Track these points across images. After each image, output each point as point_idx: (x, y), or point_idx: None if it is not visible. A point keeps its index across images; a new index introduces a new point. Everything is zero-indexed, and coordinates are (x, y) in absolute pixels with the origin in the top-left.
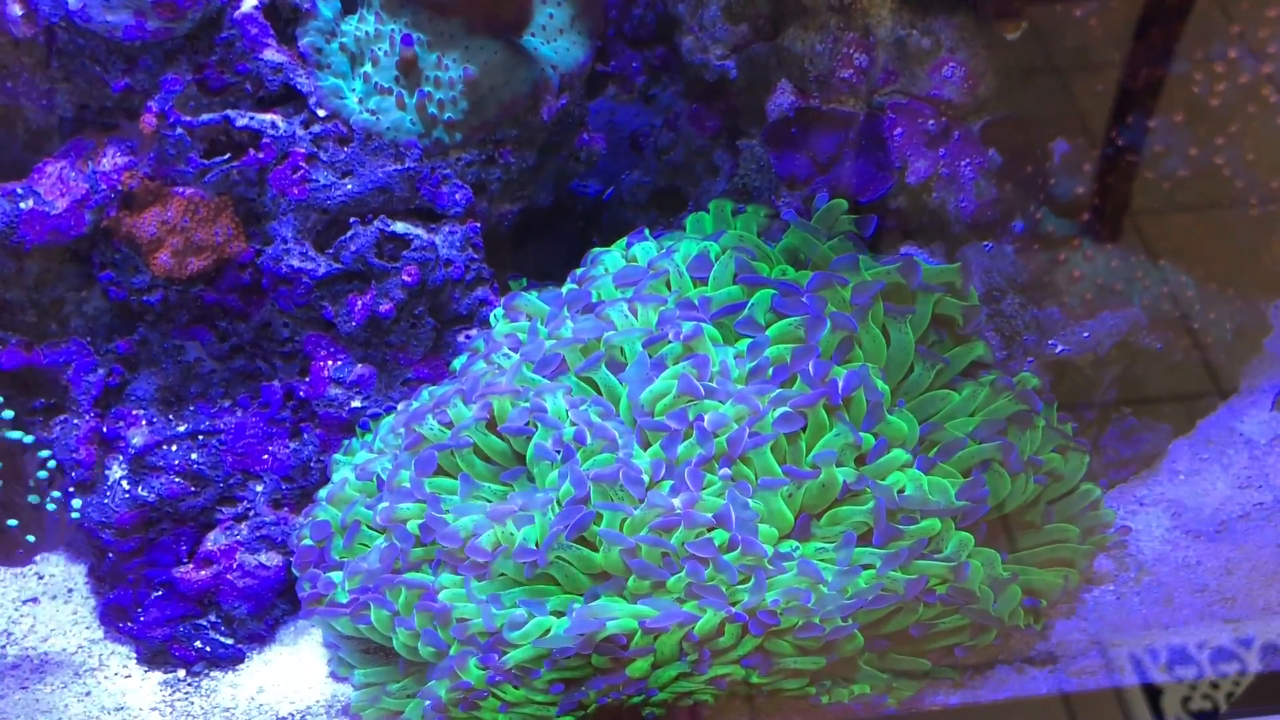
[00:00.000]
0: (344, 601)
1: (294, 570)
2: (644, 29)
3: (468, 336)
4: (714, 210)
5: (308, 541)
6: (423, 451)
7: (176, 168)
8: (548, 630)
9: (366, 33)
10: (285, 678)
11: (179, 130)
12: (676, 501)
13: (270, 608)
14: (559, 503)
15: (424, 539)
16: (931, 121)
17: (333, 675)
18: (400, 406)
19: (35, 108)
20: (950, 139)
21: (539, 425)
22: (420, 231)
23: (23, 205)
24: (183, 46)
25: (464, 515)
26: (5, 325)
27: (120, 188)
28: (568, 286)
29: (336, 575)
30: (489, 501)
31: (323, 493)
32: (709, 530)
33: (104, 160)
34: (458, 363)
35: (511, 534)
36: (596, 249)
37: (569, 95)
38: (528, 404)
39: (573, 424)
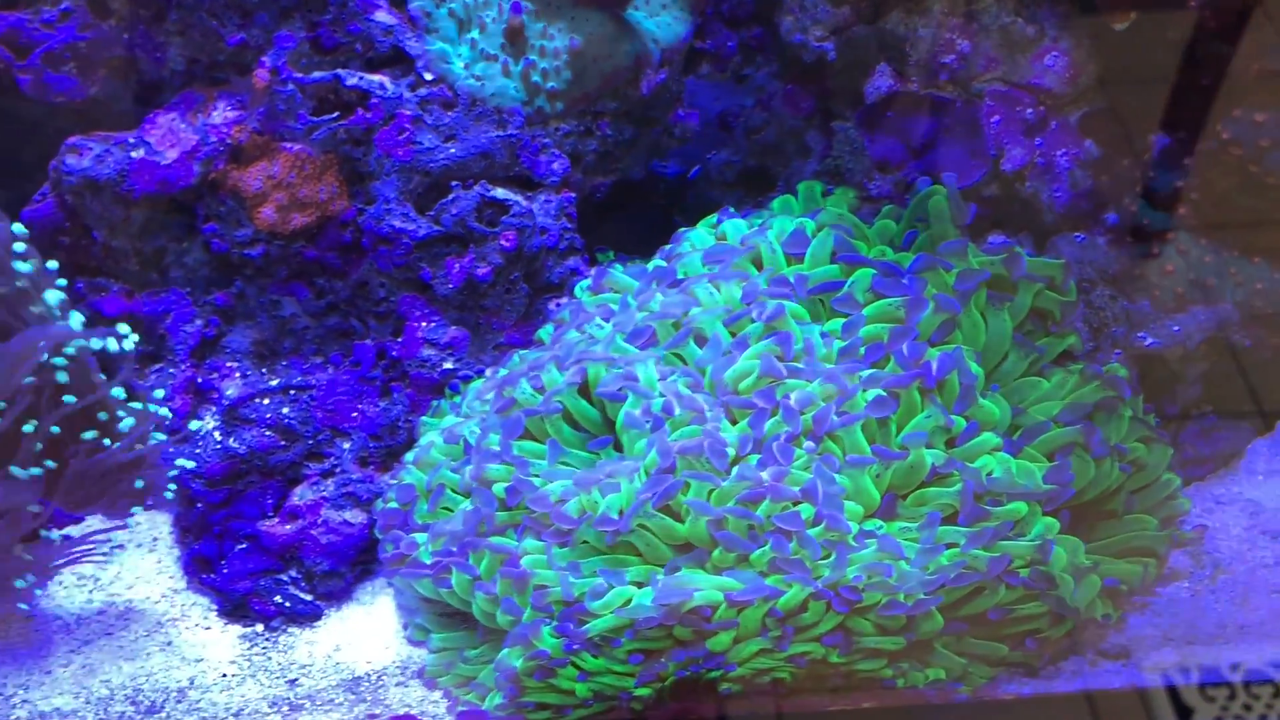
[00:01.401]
0: (427, 563)
1: (377, 531)
2: (742, 8)
3: (558, 305)
4: (803, 191)
5: (393, 503)
6: (513, 414)
7: (285, 124)
8: (629, 600)
9: None
10: (361, 637)
11: (290, 86)
12: (765, 474)
13: (351, 566)
14: (645, 471)
15: (510, 502)
16: (1030, 110)
17: (408, 639)
18: (488, 372)
19: (148, 60)
20: (1047, 128)
21: (629, 394)
22: (519, 198)
23: (133, 154)
24: (298, 3)
25: (551, 480)
26: (108, 272)
27: (229, 141)
28: (656, 262)
29: (420, 537)
30: (575, 468)
31: (409, 455)
32: (795, 504)
33: (214, 113)
34: (545, 331)
35: (596, 501)
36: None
37: (668, 70)
38: (620, 372)
39: (661, 395)
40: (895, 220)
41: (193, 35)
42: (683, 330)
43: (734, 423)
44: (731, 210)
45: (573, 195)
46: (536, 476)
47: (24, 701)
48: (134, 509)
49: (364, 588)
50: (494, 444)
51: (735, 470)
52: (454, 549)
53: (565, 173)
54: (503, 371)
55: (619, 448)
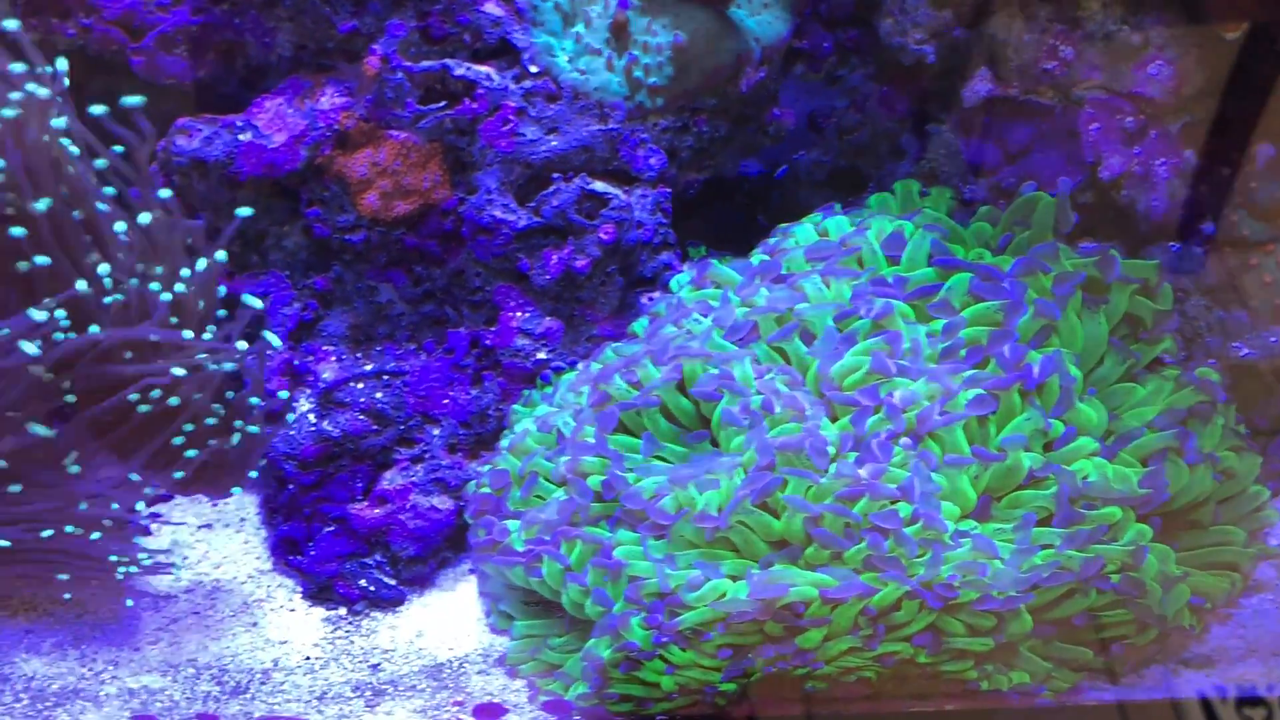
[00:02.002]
0: (519, 551)
1: (467, 517)
2: (840, 9)
3: (650, 299)
4: (900, 191)
5: (485, 489)
6: (608, 409)
7: (393, 111)
8: (723, 594)
9: None
10: (443, 623)
11: (399, 75)
12: (863, 471)
13: (435, 551)
14: (744, 468)
15: (605, 496)
16: (1130, 118)
17: (490, 627)
18: (581, 364)
19: (257, 45)
20: (1147, 137)
21: (726, 391)
22: (618, 192)
23: (241, 137)
24: None
25: (646, 475)
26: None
27: (337, 127)
28: (759, 257)
29: (512, 524)
30: (669, 462)
31: (504, 442)
32: (893, 502)
33: (322, 99)
34: (639, 325)
35: (693, 497)
36: (787, 223)
37: (767, 69)
38: (717, 370)
39: (759, 392)
40: (991, 223)
41: (304, 21)
42: (788, 325)
43: (834, 419)
44: (835, 207)
45: (668, 191)
46: (630, 472)
47: (113, 678)
48: (234, 489)
49: (445, 574)
50: (589, 436)
51: (834, 467)
52: (547, 538)
53: (662, 168)
54: (595, 365)
55: (714, 442)
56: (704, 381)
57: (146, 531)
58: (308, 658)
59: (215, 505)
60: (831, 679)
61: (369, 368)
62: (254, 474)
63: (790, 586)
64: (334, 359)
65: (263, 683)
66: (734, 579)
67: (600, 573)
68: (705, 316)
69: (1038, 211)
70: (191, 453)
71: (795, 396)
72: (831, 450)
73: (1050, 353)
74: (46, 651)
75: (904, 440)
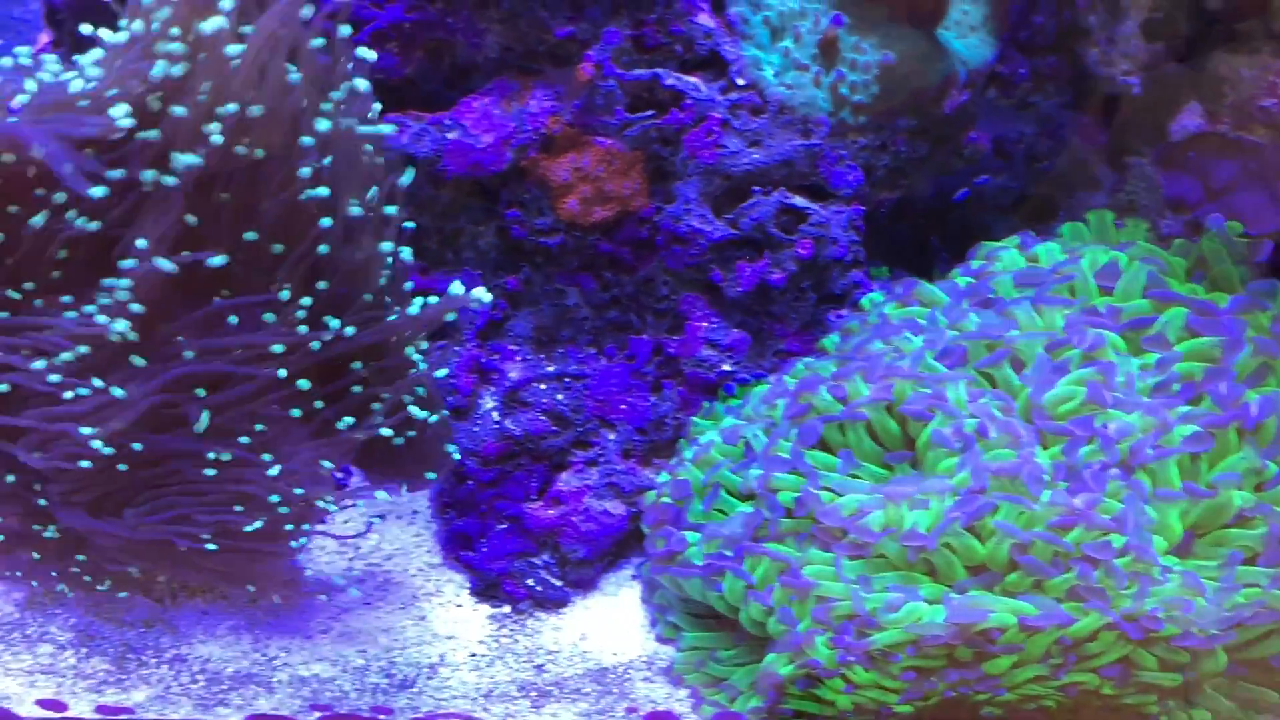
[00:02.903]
0: (698, 564)
1: (644, 526)
2: (1040, 36)
3: (838, 316)
4: (1094, 221)
5: (666, 499)
6: (809, 421)
7: (601, 118)
8: (919, 617)
9: (791, 9)
10: (606, 628)
11: (611, 82)
12: (1078, 500)
13: (603, 555)
14: (955, 491)
15: (796, 512)
16: None
17: (657, 637)
18: (773, 377)
19: (465, 45)
20: None
21: (938, 412)
22: (817, 207)
23: (449, 136)
24: (628, 1)
25: (843, 492)
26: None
27: (544, 131)
28: (964, 279)
29: (692, 536)
30: (866, 481)
31: (687, 453)
32: (1106, 533)
33: (531, 102)
34: (829, 341)
35: (902, 517)
36: (990, 244)
37: (970, 92)
38: (929, 390)
39: (973, 416)
40: (1184, 257)
41: (519, 24)
42: (998, 352)
43: (1045, 448)
44: (1032, 235)
45: (862, 208)
46: (826, 490)
47: (284, 664)
48: (428, 474)
49: (608, 578)
50: (783, 451)
51: (1047, 494)
52: (729, 552)
53: (859, 185)
54: (790, 379)
55: (914, 464)
56: (915, 400)
57: (323, 519)
58: (473, 654)
59: (389, 497)
60: (1010, 706)
61: (551, 369)
62: (432, 474)
63: (989, 612)
64: (519, 359)
65: (429, 677)
66: (930, 603)
67: (787, 591)
68: (914, 335)
69: (1227, 248)
70: (387, 431)
71: (1011, 422)
72: (1046, 478)
73: (1269, 393)
74: (222, 635)
75: (1114, 471)
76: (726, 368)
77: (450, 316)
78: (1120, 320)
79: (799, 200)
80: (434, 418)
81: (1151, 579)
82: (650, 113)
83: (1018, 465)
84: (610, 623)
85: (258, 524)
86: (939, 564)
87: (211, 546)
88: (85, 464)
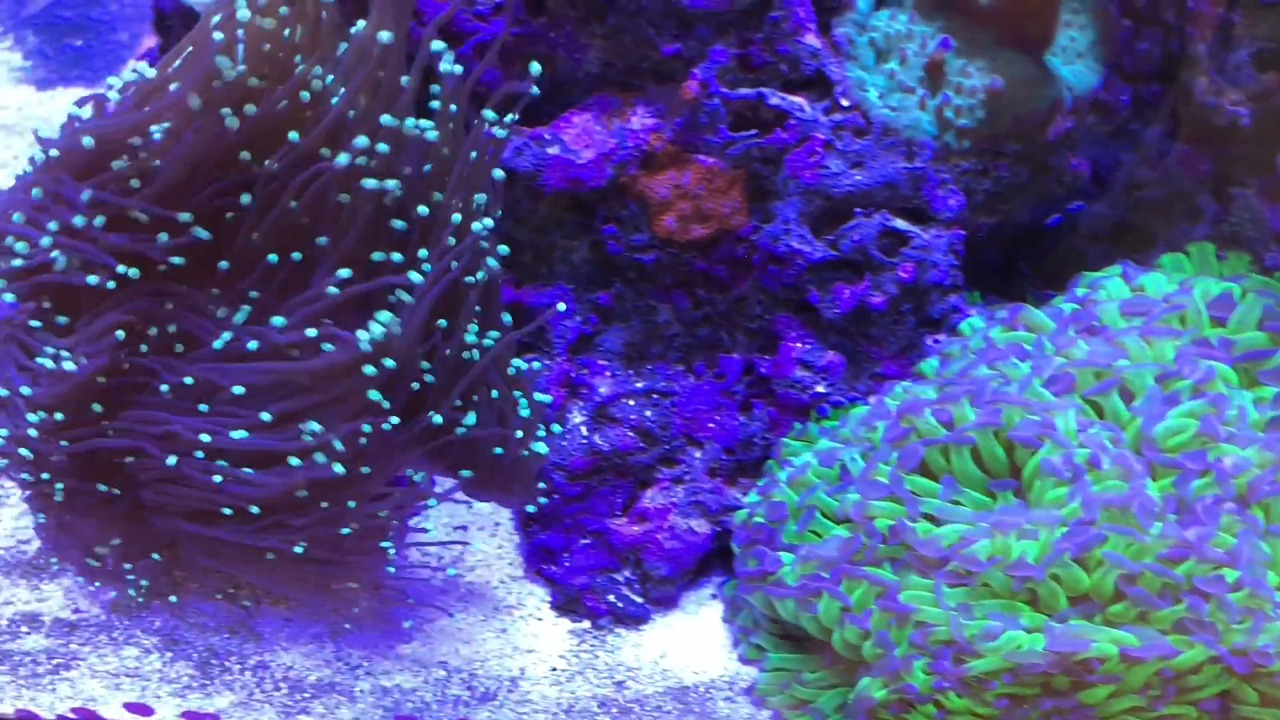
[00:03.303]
0: (791, 584)
1: (735, 546)
2: (1145, 64)
3: (935, 340)
4: (1195, 252)
5: (759, 519)
6: (910, 444)
7: (703, 136)
8: (1019, 645)
9: (897, 31)
10: (687, 646)
11: (716, 100)
12: (1190, 534)
13: (685, 573)
14: (1064, 522)
15: (892, 540)
16: None
17: (740, 657)
18: (871, 400)
19: (566, 59)
20: None
21: (1048, 441)
22: (919, 230)
23: (549, 150)
24: (735, 20)
25: (943, 519)
26: (504, 261)
27: (645, 148)
28: (1069, 305)
29: (785, 556)
30: (967, 508)
31: (781, 474)
32: (1219, 567)
33: (633, 119)
34: (927, 366)
35: (1009, 547)
36: (1092, 274)
37: (1075, 119)
38: (1038, 418)
39: (1083, 446)
40: None
41: (623, 40)
42: (1106, 381)
43: (1154, 480)
44: (1132, 264)
45: (962, 233)
46: (923, 520)
47: (367, 674)
48: (528, 494)
49: (689, 596)
50: (882, 475)
51: (1158, 526)
52: (825, 575)
53: (960, 209)
54: (891, 401)
55: (1018, 493)
56: (1024, 427)
57: (411, 530)
58: (554, 669)
59: (471, 508)
60: None
61: (640, 385)
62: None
63: (1091, 642)
64: (609, 374)
65: (510, 691)
66: (1029, 631)
67: (885, 615)
68: (1020, 361)
69: None
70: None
71: (1124, 454)
72: (1157, 510)
73: None
74: (305, 642)
75: (1229, 505)
76: (820, 389)
77: None
78: (1234, 353)
79: (901, 223)
80: (541, 447)
81: (1265, 615)
82: (753, 131)
83: (1129, 497)
84: (691, 641)
85: (346, 530)
86: (1042, 594)
87: (298, 549)
88: (254, 510)
